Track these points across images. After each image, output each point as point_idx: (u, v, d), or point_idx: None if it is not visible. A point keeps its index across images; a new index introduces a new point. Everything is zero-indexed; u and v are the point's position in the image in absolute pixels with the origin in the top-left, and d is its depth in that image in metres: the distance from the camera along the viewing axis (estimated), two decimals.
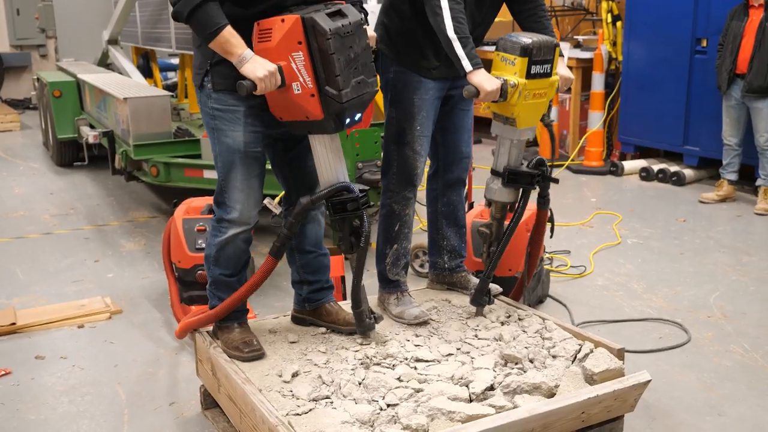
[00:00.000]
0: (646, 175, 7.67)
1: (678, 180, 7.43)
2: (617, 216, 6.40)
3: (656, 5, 7.57)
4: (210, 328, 3.33)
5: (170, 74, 10.76)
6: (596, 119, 8.10)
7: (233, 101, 2.99)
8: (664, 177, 7.56)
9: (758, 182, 6.63)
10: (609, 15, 8.11)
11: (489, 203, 3.48)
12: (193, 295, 4.30)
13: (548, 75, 3.24)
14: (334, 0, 3.01)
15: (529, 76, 3.16)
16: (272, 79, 2.80)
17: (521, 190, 3.42)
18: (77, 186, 7.76)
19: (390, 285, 3.56)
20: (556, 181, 3.50)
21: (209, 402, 3.33)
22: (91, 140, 6.54)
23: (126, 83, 7.13)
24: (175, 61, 10.53)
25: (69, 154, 8.42)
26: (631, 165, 7.87)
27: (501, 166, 3.37)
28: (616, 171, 7.87)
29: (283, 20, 2.81)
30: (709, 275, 5.12)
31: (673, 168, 7.57)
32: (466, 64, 3.13)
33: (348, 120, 2.95)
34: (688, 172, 7.48)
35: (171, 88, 9.64)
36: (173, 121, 6.82)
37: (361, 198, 2.98)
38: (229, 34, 2.79)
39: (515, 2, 3.53)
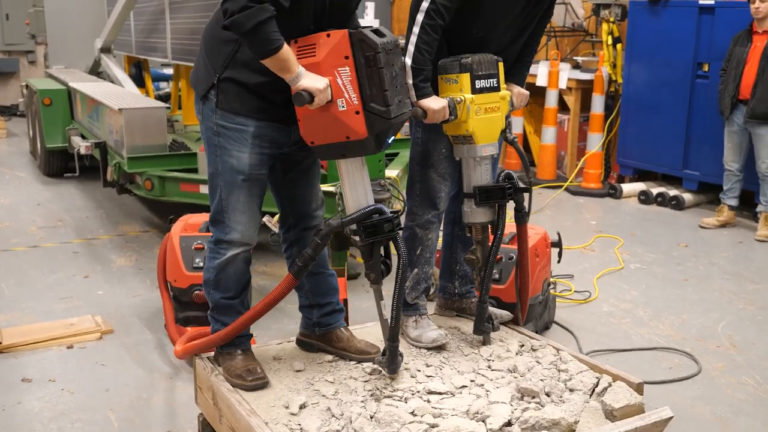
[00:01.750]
0: (645, 198, 7.59)
1: (677, 204, 7.36)
2: (618, 240, 6.30)
3: (658, 29, 7.52)
4: (211, 353, 3.17)
5: (162, 84, 10.61)
6: (595, 141, 8.02)
7: (242, 120, 2.86)
8: (663, 201, 7.48)
9: (759, 208, 6.56)
10: (609, 37, 8.04)
11: (469, 229, 3.40)
12: (189, 315, 4.14)
13: (496, 89, 3.25)
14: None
15: (474, 90, 3.17)
16: (327, 92, 2.71)
17: (497, 206, 3.35)
18: (65, 197, 7.58)
19: (409, 308, 3.42)
20: (528, 190, 3.43)
21: None
22: (83, 151, 6.36)
23: (120, 93, 6.98)
24: (168, 71, 10.39)
25: (58, 164, 8.24)
26: (629, 188, 7.79)
27: (470, 187, 3.32)
28: (615, 193, 7.79)
29: (329, 35, 2.73)
30: (715, 303, 5.02)
31: (672, 192, 7.49)
32: (411, 94, 3.12)
33: (388, 140, 2.86)
34: (687, 197, 7.40)
35: (163, 98, 9.49)
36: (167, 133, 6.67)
37: (395, 218, 2.85)
38: (288, 51, 2.69)
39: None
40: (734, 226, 6.77)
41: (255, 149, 2.89)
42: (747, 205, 7.00)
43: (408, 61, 3.09)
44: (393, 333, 2.91)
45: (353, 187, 2.89)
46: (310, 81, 2.69)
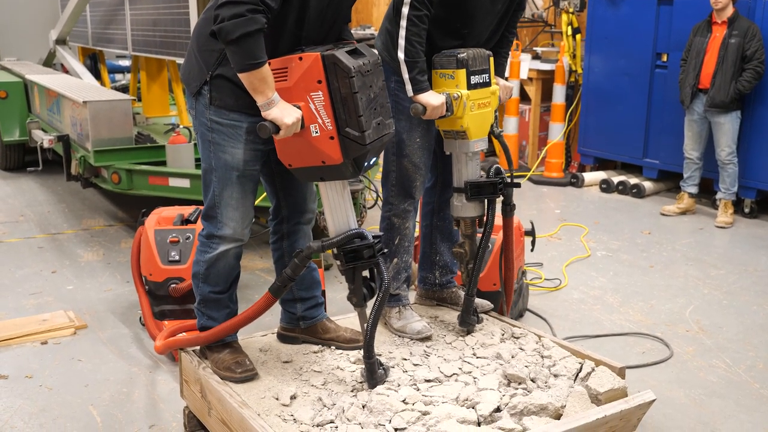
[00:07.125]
0: (606, 186, 7.72)
1: (638, 192, 7.50)
2: (583, 228, 6.40)
3: (617, 20, 7.64)
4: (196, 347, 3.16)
5: (118, 76, 10.44)
6: (557, 131, 8.13)
7: (236, 116, 2.83)
8: (624, 189, 7.61)
9: (718, 195, 6.73)
10: (569, 28, 8.14)
11: (457, 223, 3.43)
12: (165, 309, 4.11)
13: (488, 84, 3.29)
14: (346, 40, 2.90)
15: (470, 86, 3.20)
16: (297, 125, 2.65)
17: (486, 201, 3.39)
18: (25, 192, 7.42)
19: (391, 299, 3.44)
20: (518, 185, 3.50)
21: (194, 425, 3.16)
22: (46, 144, 6.23)
23: (81, 85, 6.86)
24: (125, 62, 10.23)
25: (15, 158, 8.07)
26: (591, 177, 7.91)
27: (461, 182, 3.35)
28: (577, 182, 7.91)
29: (301, 58, 2.64)
30: (681, 288, 5.14)
31: (633, 180, 7.63)
32: (409, 89, 3.14)
33: (368, 163, 2.81)
34: (648, 185, 7.55)
35: (120, 90, 9.35)
36: None
37: (376, 244, 2.80)
38: (267, 72, 2.61)
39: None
40: (694, 213, 6.93)
41: (249, 145, 2.87)
42: (706, 192, 7.17)
43: (401, 55, 3.08)
44: (368, 349, 2.85)
45: (334, 210, 2.85)
46: (279, 113, 2.62)
